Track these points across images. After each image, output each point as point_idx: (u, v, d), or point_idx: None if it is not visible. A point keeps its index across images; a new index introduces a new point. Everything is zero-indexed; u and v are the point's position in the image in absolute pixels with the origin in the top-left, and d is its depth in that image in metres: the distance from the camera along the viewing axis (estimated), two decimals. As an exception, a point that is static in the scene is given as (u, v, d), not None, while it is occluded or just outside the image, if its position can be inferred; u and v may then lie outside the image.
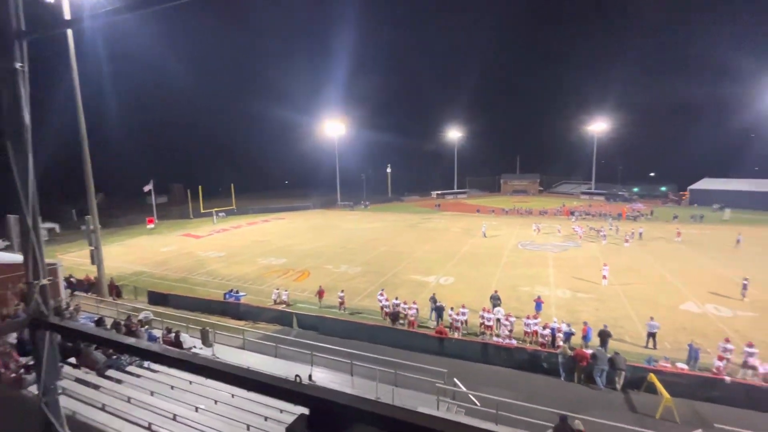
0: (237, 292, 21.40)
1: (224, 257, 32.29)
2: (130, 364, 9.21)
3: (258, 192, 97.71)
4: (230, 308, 19.62)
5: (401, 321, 17.63)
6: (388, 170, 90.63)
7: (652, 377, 12.14)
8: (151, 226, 47.62)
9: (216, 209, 55.97)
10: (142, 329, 12.58)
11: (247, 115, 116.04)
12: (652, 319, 15.78)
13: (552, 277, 24.72)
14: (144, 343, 2.20)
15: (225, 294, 21.06)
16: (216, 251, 34.53)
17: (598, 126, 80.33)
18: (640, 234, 35.94)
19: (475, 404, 10.88)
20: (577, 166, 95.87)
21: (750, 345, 13.25)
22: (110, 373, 8.77)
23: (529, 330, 15.84)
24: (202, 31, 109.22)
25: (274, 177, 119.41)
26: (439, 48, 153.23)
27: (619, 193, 75.09)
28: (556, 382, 13.27)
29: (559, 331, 15.24)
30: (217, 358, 11.28)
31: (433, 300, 18.46)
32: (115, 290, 22.18)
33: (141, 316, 14.50)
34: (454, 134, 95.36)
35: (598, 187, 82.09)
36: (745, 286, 20.29)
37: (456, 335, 16.22)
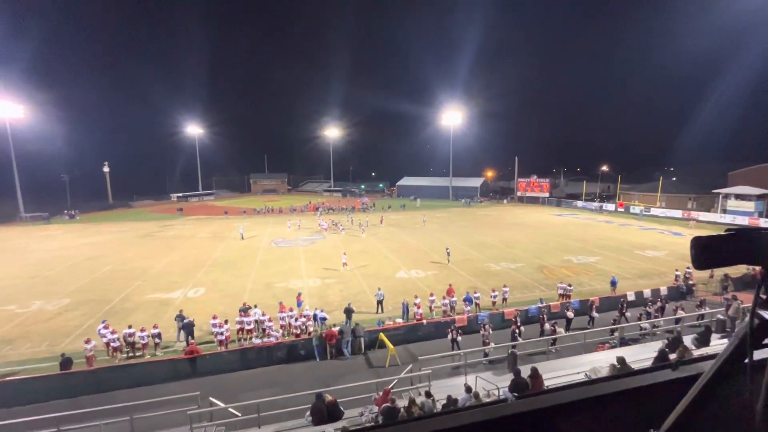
0: None
1: None
2: None
3: None
4: None
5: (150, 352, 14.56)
6: (106, 169, 71.51)
7: (382, 335, 15.26)
8: None
9: None
10: None
11: None
12: (379, 289, 19.74)
13: (304, 270, 26.65)
14: None
15: None
16: None
17: (332, 132, 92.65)
18: (367, 222, 44.09)
19: (237, 416, 10.39)
20: (319, 166, 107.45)
21: (431, 295, 18.79)
22: None
23: (284, 323, 16.50)
24: None
25: None
26: (163, 33, 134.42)
27: (352, 189, 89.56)
28: (313, 365, 14.51)
29: (309, 319, 16.59)
30: None
31: (180, 317, 16.18)
32: None
33: None
34: (195, 130, 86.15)
35: (336, 185, 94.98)
36: (448, 253, 28.20)
37: (222, 348, 14.87)
